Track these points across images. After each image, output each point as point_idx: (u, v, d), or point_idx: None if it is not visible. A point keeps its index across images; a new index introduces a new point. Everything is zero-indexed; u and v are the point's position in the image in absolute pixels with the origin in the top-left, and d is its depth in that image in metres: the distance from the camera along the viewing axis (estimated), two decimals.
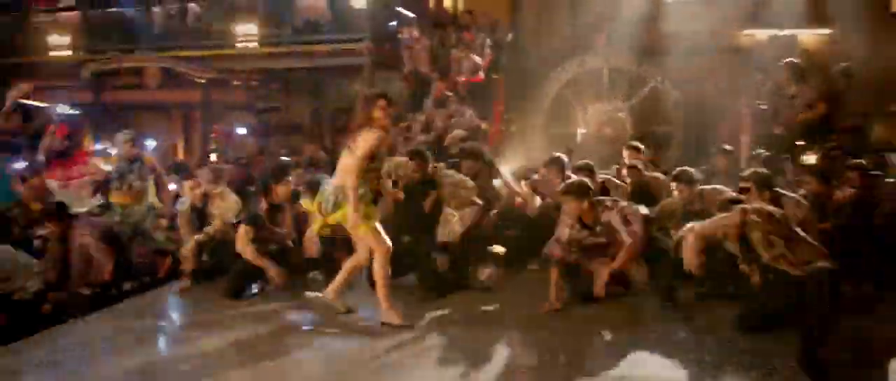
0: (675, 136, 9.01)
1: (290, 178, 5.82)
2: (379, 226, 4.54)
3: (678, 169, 5.62)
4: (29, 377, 3.90)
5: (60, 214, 5.71)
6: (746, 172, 5.08)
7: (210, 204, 5.93)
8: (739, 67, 8.76)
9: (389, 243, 4.55)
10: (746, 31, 8.96)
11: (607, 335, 4.41)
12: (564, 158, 6.24)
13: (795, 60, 7.47)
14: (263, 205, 5.51)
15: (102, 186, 6.75)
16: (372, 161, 4.42)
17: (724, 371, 3.76)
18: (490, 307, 5.07)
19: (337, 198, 4.43)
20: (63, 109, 8.17)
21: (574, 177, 5.65)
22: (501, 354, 4.13)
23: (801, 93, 7.18)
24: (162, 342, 4.59)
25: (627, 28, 9.11)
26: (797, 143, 7.22)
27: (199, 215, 5.92)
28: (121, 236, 6.18)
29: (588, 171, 5.86)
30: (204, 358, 4.11)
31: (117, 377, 3.91)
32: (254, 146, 10.67)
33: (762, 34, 8.78)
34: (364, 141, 4.35)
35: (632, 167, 6.48)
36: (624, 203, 5.07)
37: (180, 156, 11.98)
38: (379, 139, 4.38)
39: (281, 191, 5.47)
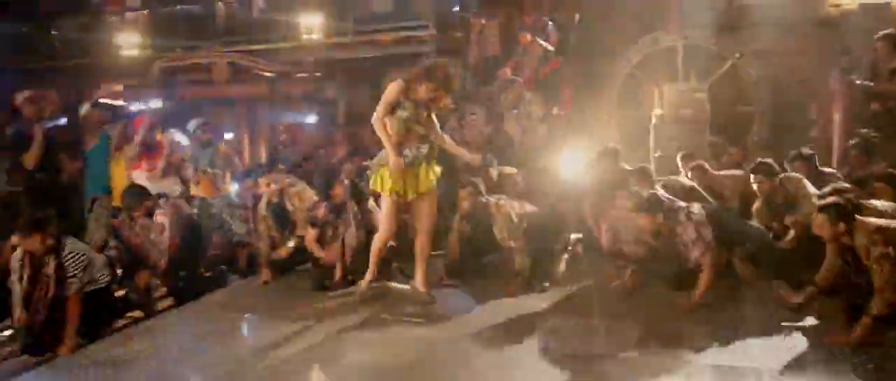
0: (759, 116, 8.50)
1: (343, 176, 5.79)
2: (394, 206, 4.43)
3: (757, 161, 5.36)
4: (132, 367, 3.96)
5: (142, 197, 5.76)
6: (827, 188, 4.66)
7: (287, 199, 5.92)
8: (827, 41, 8.21)
9: (392, 230, 4.51)
10: (833, 1, 8.38)
11: (700, 324, 4.22)
12: (618, 148, 6.17)
13: (893, 31, 6.96)
14: (322, 212, 5.46)
15: (174, 168, 6.85)
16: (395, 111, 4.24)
17: (832, 366, 3.54)
18: (575, 295, 4.98)
19: (380, 161, 4.36)
20: (144, 105, 8.34)
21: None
22: (593, 340, 4.06)
23: None
24: (250, 333, 4.58)
25: (703, 1, 8.66)
26: None
27: (275, 211, 5.90)
28: (198, 228, 6.22)
29: (644, 174, 5.67)
30: (291, 349, 4.09)
31: (213, 366, 3.92)
32: (320, 140, 10.66)
33: (852, 3, 8.19)
34: (387, 91, 4.24)
35: (696, 168, 6.10)
36: (695, 209, 4.63)
37: (246, 150, 12.08)
38: (400, 88, 4.22)
39: (338, 191, 5.44)
